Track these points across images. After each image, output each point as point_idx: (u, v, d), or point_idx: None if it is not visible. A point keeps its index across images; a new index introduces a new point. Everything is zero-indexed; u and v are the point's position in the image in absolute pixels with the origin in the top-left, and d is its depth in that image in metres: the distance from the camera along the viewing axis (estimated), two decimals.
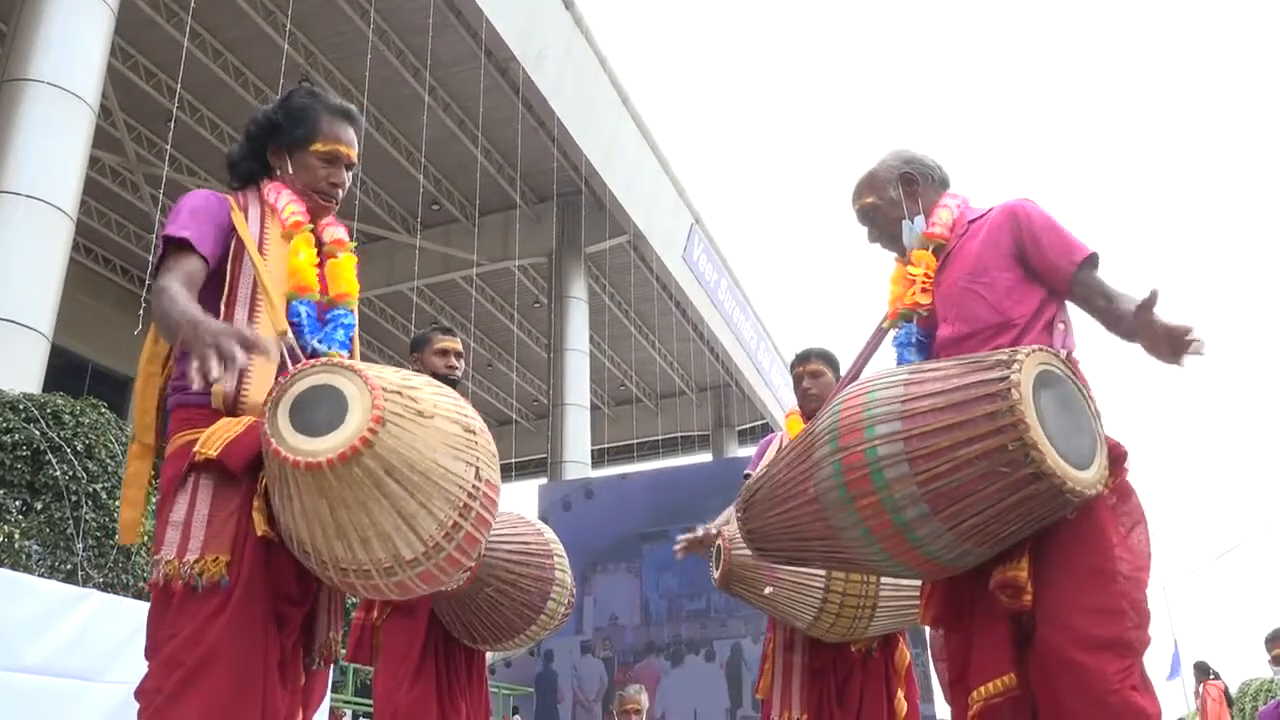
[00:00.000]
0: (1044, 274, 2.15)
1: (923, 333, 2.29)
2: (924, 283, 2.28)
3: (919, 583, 3.06)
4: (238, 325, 1.87)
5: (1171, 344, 1.88)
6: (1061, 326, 2.14)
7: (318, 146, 2.17)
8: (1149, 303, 1.90)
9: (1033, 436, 1.73)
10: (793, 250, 79.89)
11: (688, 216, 18.46)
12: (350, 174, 2.25)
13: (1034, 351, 1.87)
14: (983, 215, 2.28)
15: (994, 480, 1.77)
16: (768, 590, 3.00)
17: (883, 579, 2.99)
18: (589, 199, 16.16)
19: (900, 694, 3.22)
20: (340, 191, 2.22)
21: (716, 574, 3.19)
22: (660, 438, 24.91)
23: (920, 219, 2.34)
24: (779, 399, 24.21)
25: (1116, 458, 1.97)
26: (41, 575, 4.97)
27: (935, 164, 2.44)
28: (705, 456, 24.34)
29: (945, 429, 1.79)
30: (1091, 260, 2.12)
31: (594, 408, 19.04)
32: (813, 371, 3.52)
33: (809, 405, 3.52)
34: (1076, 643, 1.83)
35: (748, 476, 3.57)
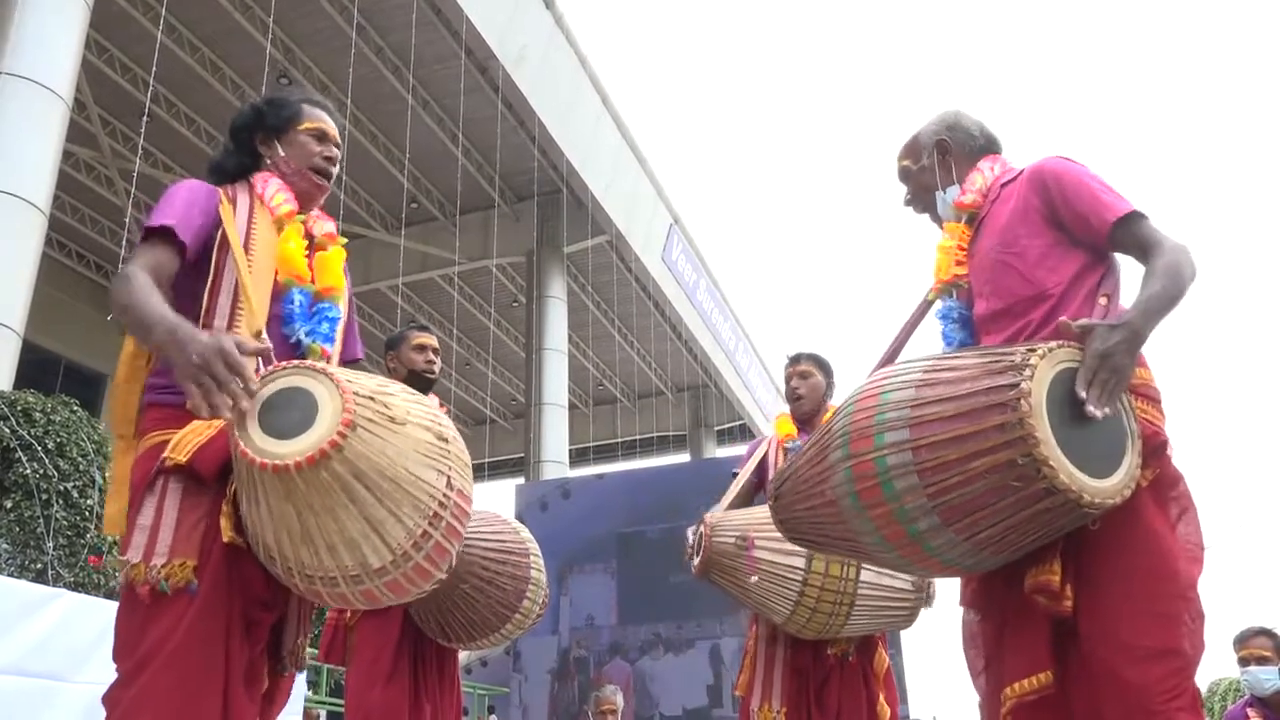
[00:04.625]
0: (1080, 235, 1.98)
1: (964, 306, 2.17)
2: (958, 254, 2.17)
3: (898, 585, 3.09)
4: (217, 333, 1.83)
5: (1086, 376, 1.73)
6: (1104, 300, 1.93)
7: (306, 124, 2.20)
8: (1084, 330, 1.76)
9: (1043, 452, 1.63)
10: (771, 251, 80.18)
11: (667, 217, 18.49)
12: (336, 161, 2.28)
13: (1052, 350, 1.73)
14: (1014, 179, 2.13)
15: (1006, 494, 1.68)
16: (753, 580, 2.99)
17: (861, 579, 3.00)
18: (568, 199, 16.15)
19: (882, 698, 3.22)
20: (332, 169, 2.24)
21: (696, 562, 3.19)
22: (638, 438, 24.92)
23: (953, 189, 2.23)
24: (757, 400, 24.28)
25: (1155, 448, 1.84)
26: (11, 575, 4.92)
27: (981, 130, 2.29)
28: (683, 457, 24.37)
29: (954, 440, 1.70)
30: (1129, 219, 1.91)
31: (572, 407, 19.01)
32: (802, 373, 3.56)
33: (797, 406, 3.57)
34: (1124, 656, 1.73)
35: (736, 474, 3.60)
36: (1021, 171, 2.13)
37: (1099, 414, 1.71)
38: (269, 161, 2.20)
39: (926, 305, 2.29)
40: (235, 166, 2.21)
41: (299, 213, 2.13)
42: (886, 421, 1.77)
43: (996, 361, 1.75)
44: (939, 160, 2.27)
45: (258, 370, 1.80)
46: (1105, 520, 1.77)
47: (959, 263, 2.17)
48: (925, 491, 1.71)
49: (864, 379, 1.98)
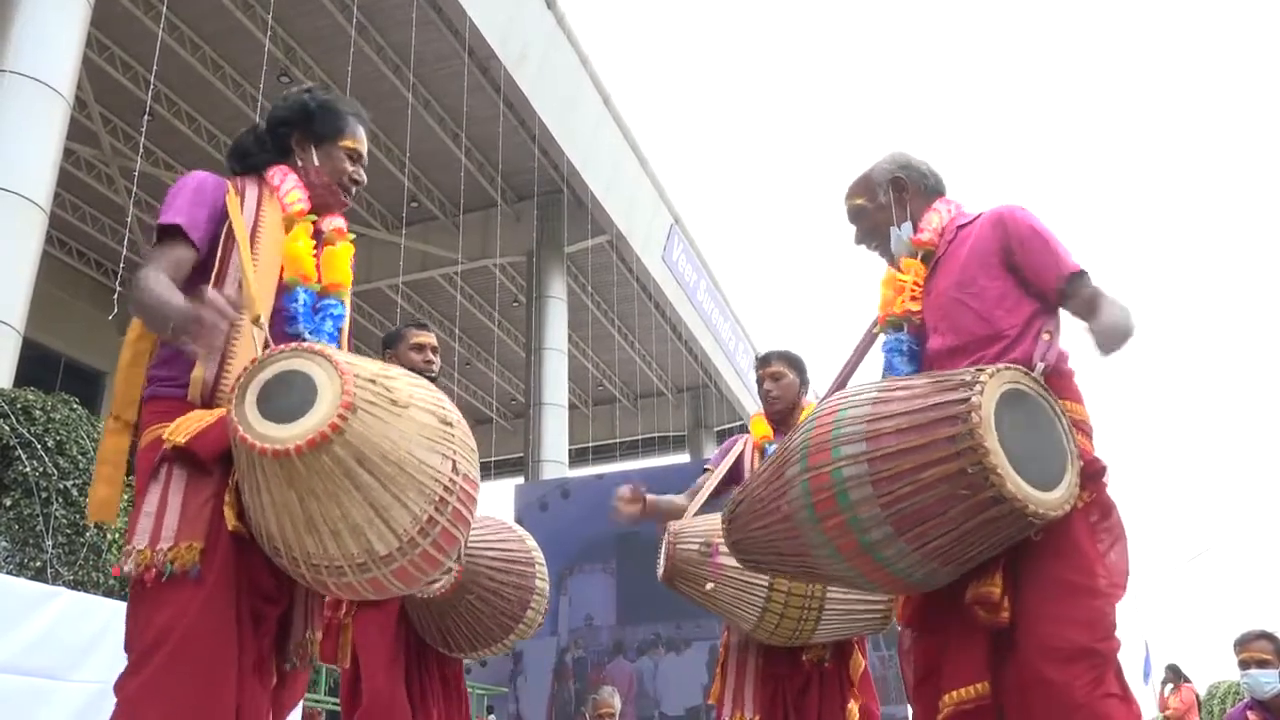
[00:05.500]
0: (1033, 283, 2.12)
1: (914, 340, 2.25)
2: (913, 290, 2.24)
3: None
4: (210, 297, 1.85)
5: None
6: (1046, 337, 2.08)
7: (348, 143, 2.22)
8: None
9: (992, 461, 1.72)
10: (772, 252, 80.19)
11: (668, 217, 18.48)
12: None
13: (999, 371, 1.85)
14: (971, 222, 2.25)
15: (956, 503, 1.77)
16: (709, 586, 2.96)
17: None
18: (569, 198, 16.14)
19: (853, 704, 3.17)
20: (354, 190, 2.27)
21: (661, 570, 3.15)
22: (639, 438, 24.90)
23: (908, 226, 2.31)
24: (757, 401, 24.12)
25: (1093, 473, 1.94)
26: (10, 573, 4.91)
27: (930, 170, 2.40)
28: (683, 457, 24.34)
29: (908, 451, 1.79)
30: (1078, 276, 2.07)
31: (572, 407, 19.00)
32: (774, 374, 3.51)
33: (771, 407, 3.52)
34: (1046, 655, 1.83)
35: (707, 470, 3.57)
36: (979, 216, 2.24)
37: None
38: (298, 162, 2.18)
39: (871, 338, 2.38)
40: (262, 159, 2.19)
41: (310, 212, 2.12)
42: (843, 436, 1.86)
43: (946, 380, 1.87)
44: (895, 197, 2.35)
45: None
46: (1041, 539, 1.88)
47: (913, 298, 2.24)
48: (879, 501, 1.80)
49: (817, 406, 2.07)
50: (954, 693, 1.92)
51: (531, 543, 3.27)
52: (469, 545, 2.92)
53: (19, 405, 5.64)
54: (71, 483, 5.57)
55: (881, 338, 2.32)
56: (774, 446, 3.40)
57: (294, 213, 2.08)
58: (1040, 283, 2.11)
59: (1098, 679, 1.82)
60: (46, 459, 5.49)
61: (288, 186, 2.11)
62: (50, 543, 5.31)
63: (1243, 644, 4.23)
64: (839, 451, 1.84)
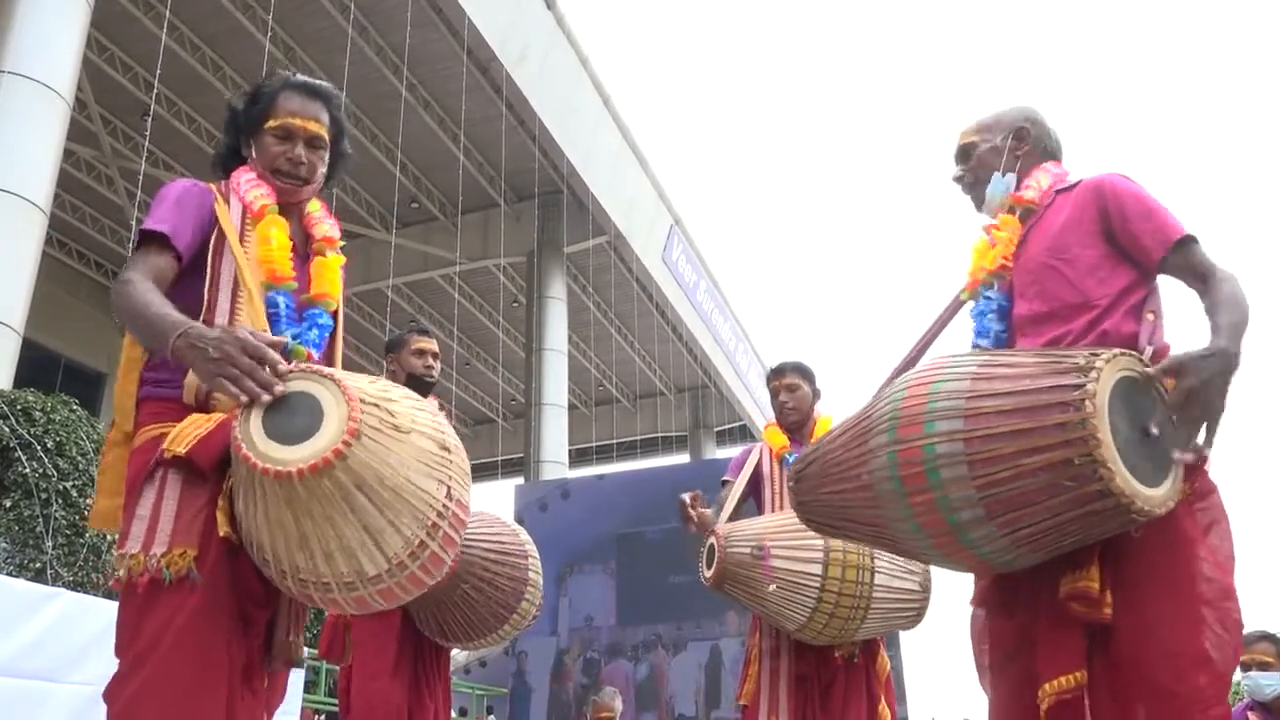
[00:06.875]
0: (1132, 253, 2.00)
1: (1004, 298, 2.15)
2: (1009, 247, 2.15)
3: (909, 586, 3.08)
4: (224, 326, 1.82)
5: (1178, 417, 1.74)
6: (1150, 317, 1.96)
7: (271, 123, 2.07)
8: (1166, 369, 1.76)
9: (1103, 453, 1.62)
10: (772, 253, 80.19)
11: (667, 218, 18.49)
12: (320, 153, 2.12)
13: (1116, 356, 1.74)
14: (1070, 188, 2.15)
15: (1057, 493, 1.68)
16: (771, 588, 2.97)
17: (875, 582, 2.99)
18: (569, 199, 16.15)
19: (883, 701, 3.22)
20: (303, 170, 2.08)
21: (709, 573, 3.17)
22: (638, 438, 24.91)
23: (1011, 177, 2.22)
24: (756, 401, 24.27)
25: (1197, 462, 1.84)
26: (10, 574, 4.91)
27: (1054, 134, 2.31)
28: (683, 457, 24.37)
29: (1010, 434, 1.69)
30: (1185, 242, 1.94)
31: (572, 408, 19.00)
32: (789, 385, 3.51)
33: (786, 419, 3.52)
34: (1168, 664, 1.75)
35: (726, 482, 3.57)
36: (1079, 182, 2.14)
37: (1187, 458, 1.71)
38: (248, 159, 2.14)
39: (958, 305, 2.28)
40: (227, 163, 2.16)
41: (275, 204, 2.05)
42: (938, 410, 1.76)
43: (1059, 362, 1.75)
44: (1013, 145, 2.26)
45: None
46: (1144, 530, 1.78)
47: (1007, 256, 2.15)
48: (973, 483, 1.71)
49: (891, 374, 1.98)
50: (1056, 681, 1.84)
51: (525, 536, 3.30)
52: (464, 537, 2.99)
53: (19, 406, 5.64)
54: (71, 484, 5.57)
55: (969, 305, 2.23)
56: (794, 456, 3.42)
57: (259, 210, 2.02)
58: (1142, 251, 1.99)
59: (1216, 696, 1.74)
60: (46, 460, 5.49)
61: (247, 185, 2.06)
62: (50, 544, 5.31)
63: (1244, 646, 4.22)
64: (933, 427, 1.75)
